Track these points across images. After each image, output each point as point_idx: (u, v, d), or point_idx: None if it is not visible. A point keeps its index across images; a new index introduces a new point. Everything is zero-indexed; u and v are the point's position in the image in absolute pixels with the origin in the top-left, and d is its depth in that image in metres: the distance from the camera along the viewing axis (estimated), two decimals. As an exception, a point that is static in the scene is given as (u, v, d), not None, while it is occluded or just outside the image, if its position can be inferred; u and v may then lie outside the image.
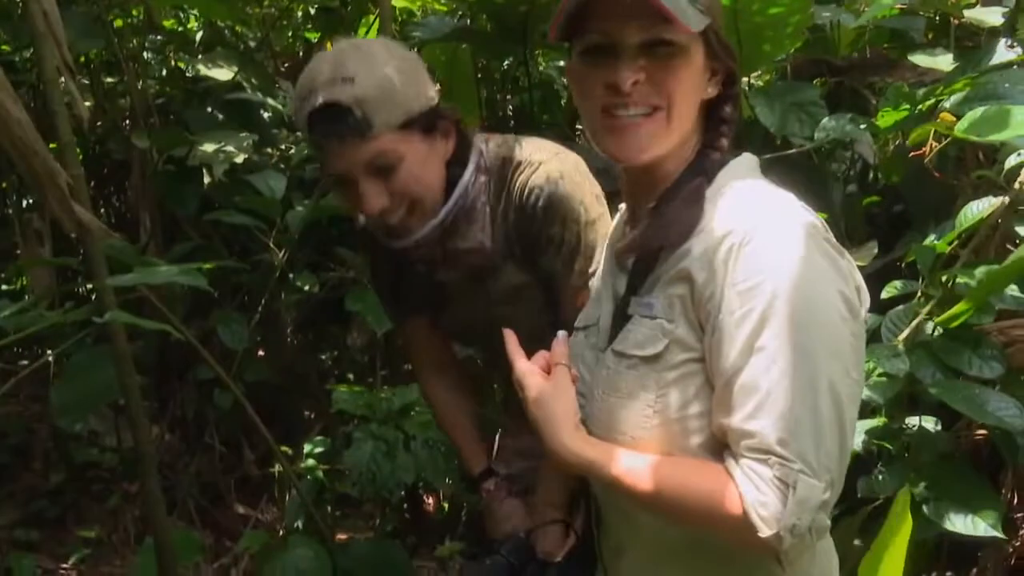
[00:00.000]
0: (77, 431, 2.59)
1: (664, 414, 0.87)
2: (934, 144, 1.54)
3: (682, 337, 0.86)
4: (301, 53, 3.16)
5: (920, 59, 1.81)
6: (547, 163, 1.25)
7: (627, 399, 0.89)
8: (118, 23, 2.69)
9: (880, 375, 1.38)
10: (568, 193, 1.23)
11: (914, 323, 1.44)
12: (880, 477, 1.45)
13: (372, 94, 1.13)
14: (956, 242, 1.54)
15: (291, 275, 2.49)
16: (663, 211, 0.90)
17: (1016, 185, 1.44)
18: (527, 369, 0.94)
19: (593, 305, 1.04)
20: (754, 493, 0.79)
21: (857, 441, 1.47)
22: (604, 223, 1.25)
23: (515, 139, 1.32)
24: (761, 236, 0.82)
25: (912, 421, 1.56)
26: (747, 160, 0.95)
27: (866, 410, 1.55)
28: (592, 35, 0.87)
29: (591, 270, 1.26)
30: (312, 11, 3.01)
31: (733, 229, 0.83)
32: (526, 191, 1.24)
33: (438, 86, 1.34)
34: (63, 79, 1.34)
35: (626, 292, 0.94)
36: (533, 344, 1.06)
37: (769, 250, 0.81)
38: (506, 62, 2.77)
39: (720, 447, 0.85)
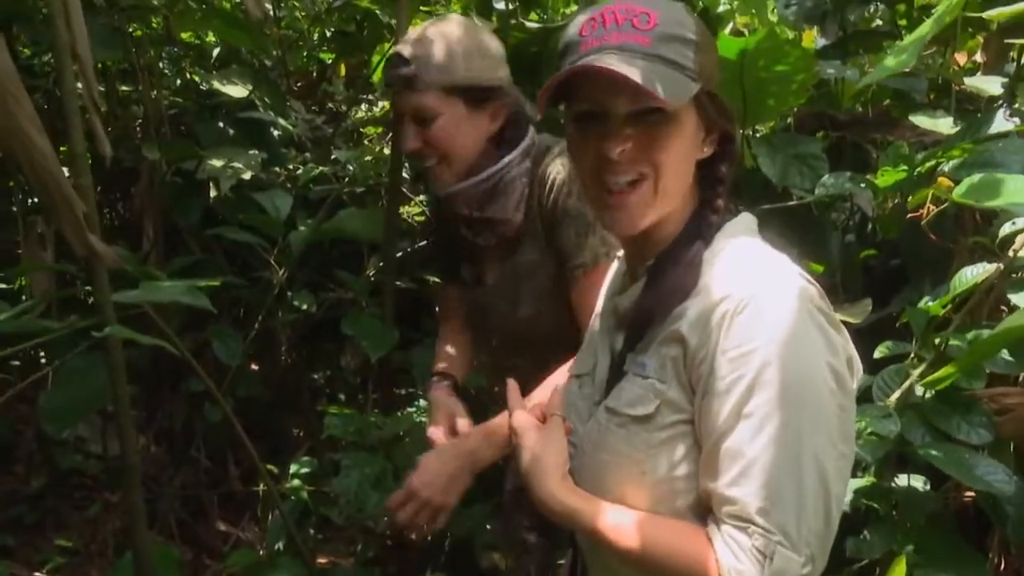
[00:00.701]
0: (63, 437, 2.57)
1: (652, 475, 0.87)
2: (932, 207, 1.57)
3: (673, 399, 0.87)
4: (315, 73, 3.21)
5: (921, 120, 1.84)
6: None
7: (616, 457, 0.89)
8: (137, 33, 2.72)
9: (870, 434, 1.39)
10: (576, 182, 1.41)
11: (906, 385, 1.45)
12: (868, 538, 1.46)
13: (430, 57, 1.40)
14: (950, 305, 1.56)
15: (289, 293, 2.50)
16: (660, 275, 0.91)
17: (1010, 253, 1.46)
18: (524, 422, 0.95)
19: (589, 354, 1.04)
20: (732, 560, 0.79)
21: (846, 500, 1.47)
22: None
23: (557, 141, 1.52)
24: (755, 304, 0.82)
25: (900, 480, 1.57)
26: (745, 220, 0.96)
27: (856, 469, 1.56)
28: (582, 103, 0.89)
29: (605, 252, 1.39)
30: (328, 34, 3.06)
31: (729, 295, 0.84)
32: (550, 168, 1.45)
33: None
34: (87, 115, 1.39)
35: (623, 348, 0.94)
36: (542, 342, 1.33)
37: (762, 319, 0.81)
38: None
39: (706, 510, 0.85)
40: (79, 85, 1.67)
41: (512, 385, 1.01)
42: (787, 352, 0.80)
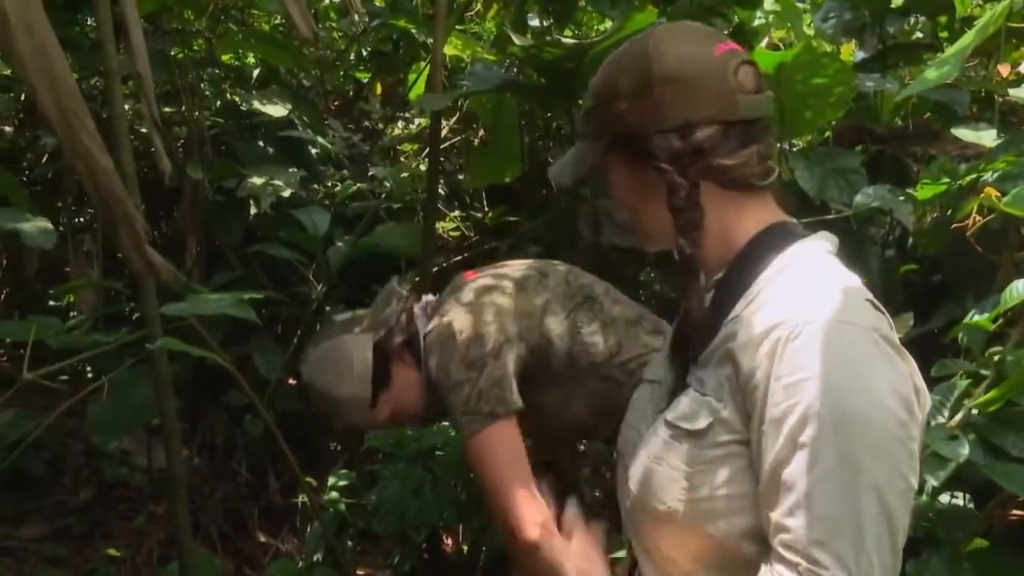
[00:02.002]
0: (110, 449, 2.64)
1: (695, 491, 0.86)
2: (978, 218, 1.54)
3: (727, 419, 0.85)
4: (352, 92, 3.27)
5: (963, 133, 1.82)
6: (429, 335, 1.54)
7: (667, 468, 0.89)
8: (179, 56, 2.80)
9: (933, 455, 1.36)
10: (435, 366, 1.50)
11: (968, 404, 1.42)
12: (929, 560, 1.43)
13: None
14: (1001, 319, 1.53)
15: (327, 308, 2.54)
16: (720, 287, 0.93)
17: (1059, 266, 1.44)
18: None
19: (663, 360, 1.03)
20: None
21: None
22: (469, 386, 1.45)
23: (438, 301, 1.63)
24: (810, 332, 0.80)
25: (946, 499, 1.54)
26: (820, 243, 0.92)
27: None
28: None
29: (471, 419, 1.44)
30: (365, 53, 3.12)
31: (783, 321, 0.82)
32: (427, 352, 1.55)
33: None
34: (155, 137, 1.46)
35: (687, 360, 0.94)
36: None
37: (817, 347, 0.79)
38: (550, 112, 2.84)
39: (746, 533, 0.84)
40: (131, 104, 1.73)
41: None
42: (845, 381, 0.78)
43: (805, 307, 0.82)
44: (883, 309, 0.85)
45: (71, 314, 2.82)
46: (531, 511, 1.35)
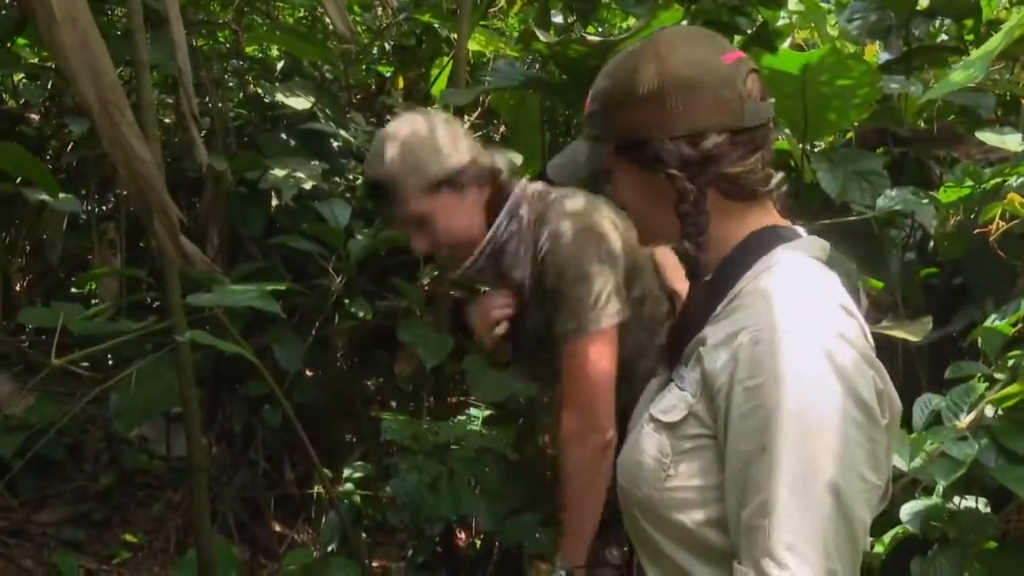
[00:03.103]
0: (129, 437, 2.67)
1: (672, 480, 0.89)
2: (1001, 223, 1.54)
3: (700, 413, 0.89)
4: (374, 86, 3.28)
5: (988, 137, 1.81)
6: (564, 219, 1.45)
7: (646, 458, 0.93)
8: (204, 48, 2.83)
9: (942, 456, 1.37)
10: (569, 251, 1.42)
11: (981, 406, 1.42)
12: (935, 559, 1.43)
13: (398, 165, 1.42)
14: (1020, 324, 1.53)
15: (346, 301, 2.56)
16: (706, 292, 0.97)
17: (1083, 272, 1.43)
18: None
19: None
20: None
21: (913, 522, 1.46)
22: (602, 281, 1.42)
23: (551, 191, 1.52)
24: (772, 336, 0.83)
25: (960, 500, 1.54)
26: (805, 247, 0.95)
27: (914, 489, 1.53)
28: None
29: (593, 318, 1.41)
30: (388, 47, 3.13)
31: (747, 325, 0.85)
32: (540, 243, 1.45)
33: (473, 141, 1.55)
34: (192, 129, 1.48)
35: (672, 358, 0.99)
36: None
37: (778, 352, 0.82)
38: (570, 109, 2.84)
39: (716, 524, 0.87)
40: (156, 94, 1.75)
41: None
42: (802, 388, 0.81)
43: (770, 312, 0.85)
44: (857, 314, 0.87)
45: (93, 302, 2.86)
46: (612, 418, 1.39)
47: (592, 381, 1.40)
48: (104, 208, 3.09)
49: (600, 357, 1.41)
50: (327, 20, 3.17)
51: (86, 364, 2.82)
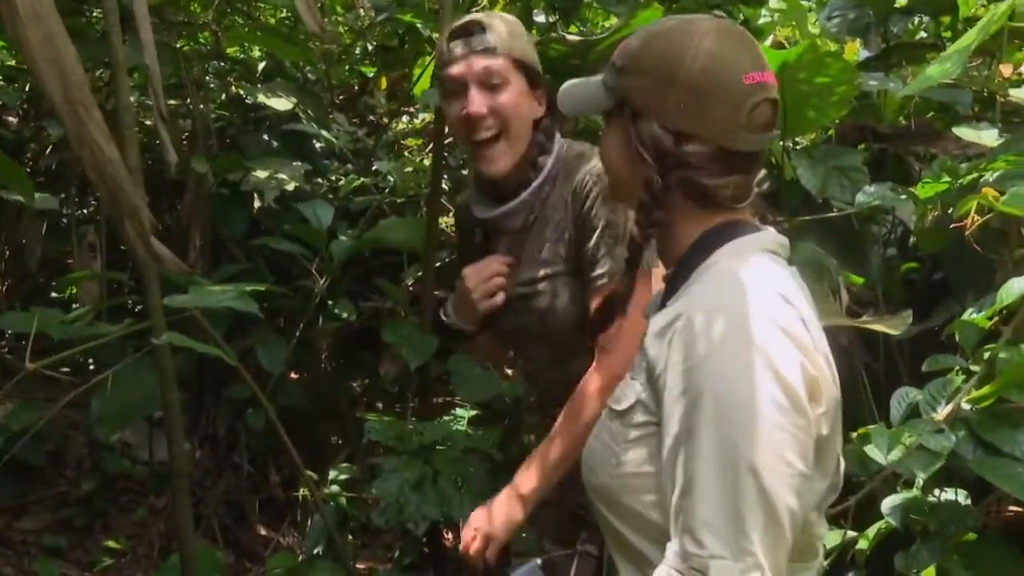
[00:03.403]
0: (111, 442, 2.65)
1: (623, 467, 0.92)
2: (976, 217, 1.55)
3: (646, 401, 0.92)
4: (357, 86, 3.27)
5: (965, 132, 1.83)
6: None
7: (600, 446, 0.96)
8: (185, 48, 2.81)
9: (920, 449, 1.38)
10: None
11: (957, 399, 1.43)
12: (918, 552, 1.44)
13: (502, 28, 1.43)
14: (997, 317, 1.54)
15: (330, 302, 2.55)
16: (666, 285, 1.02)
17: (1059, 265, 1.45)
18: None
19: None
20: None
21: (894, 515, 1.47)
22: None
23: (582, 143, 1.54)
24: (703, 322, 0.86)
25: (940, 493, 1.55)
26: (760, 237, 0.97)
27: (901, 483, 1.54)
28: None
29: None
30: (370, 47, 3.12)
31: (684, 312, 0.88)
32: (585, 176, 1.43)
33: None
34: (161, 130, 1.46)
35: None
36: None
37: (709, 337, 0.84)
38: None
39: (667, 509, 0.88)
40: (136, 96, 1.74)
41: None
42: (726, 371, 0.83)
43: (705, 299, 0.89)
44: (795, 303, 0.90)
45: (73, 306, 2.83)
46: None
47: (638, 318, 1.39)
48: (84, 211, 3.06)
49: (648, 294, 1.40)
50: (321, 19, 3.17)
51: (66, 369, 2.80)
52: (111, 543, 2.54)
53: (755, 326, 0.84)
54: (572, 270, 1.45)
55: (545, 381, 1.60)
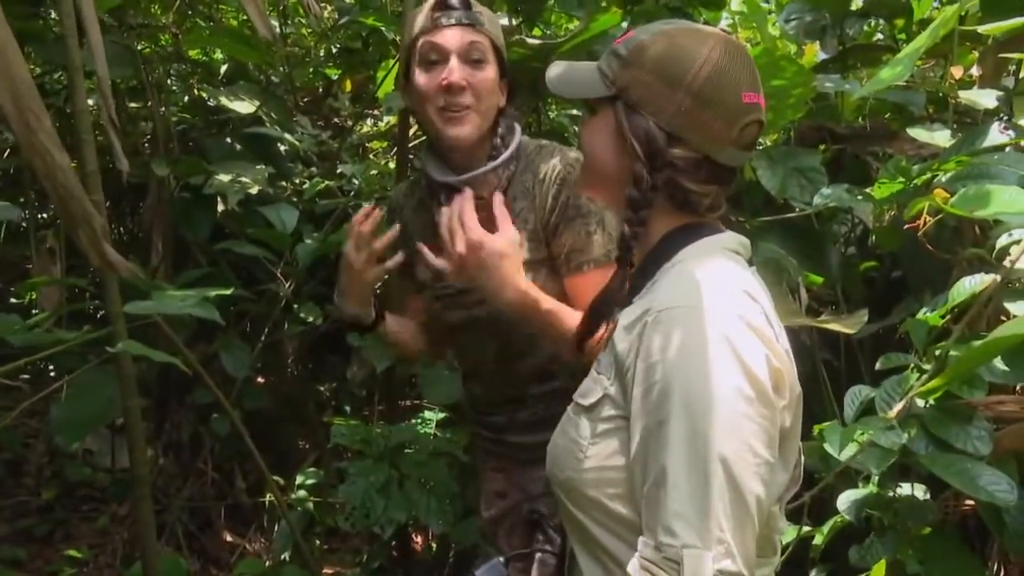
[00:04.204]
0: (72, 449, 2.60)
1: (589, 461, 0.93)
2: (928, 218, 1.59)
3: (614, 395, 0.93)
4: (321, 89, 3.25)
5: (918, 133, 1.86)
6: (573, 150, 1.46)
7: (567, 440, 0.97)
8: (146, 51, 2.77)
9: (874, 446, 1.41)
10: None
11: (909, 396, 1.46)
12: (872, 546, 1.47)
13: (485, 10, 1.43)
14: (949, 315, 1.58)
15: (296, 306, 2.53)
16: (631, 282, 1.02)
17: (1007, 263, 1.48)
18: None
19: None
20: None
21: (849, 510, 1.49)
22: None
23: (539, 139, 1.53)
24: (671, 316, 0.88)
25: (900, 489, 1.58)
26: (722, 238, 0.99)
27: (858, 479, 1.57)
28: None
29: (612, 248, 1.37)
30: (334, 50, 3.11)
31: (651, 307, 0.90)
32: (550, 166, 1.43)
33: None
34: (102, 132, 1.42)
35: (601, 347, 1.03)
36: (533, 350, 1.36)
37: (676, 331, 0.86)
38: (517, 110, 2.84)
39: (633, 502, 0.90)
40: (91, 103, 1.71)
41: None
42: (694, 364, 0.85)
43: (673, 294, 0.90)
44: (758, 300, 0.92)
45: (33, 312, 2.78)
46: None
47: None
48: (43, 216, 3.01)
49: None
50: (273, 21, 3.14)
51: (26, 376, 2.75)
52: (73, 552, 2.50)
53: (721, 320, 0.86)
54: (532, 259, 1.42)
55: (487, 380, 1.57)
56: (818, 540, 1.54)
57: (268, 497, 2.62)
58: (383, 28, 2.58)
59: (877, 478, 1.50)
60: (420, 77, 1.40)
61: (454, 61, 1.38)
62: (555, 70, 1.05)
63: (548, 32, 2.88)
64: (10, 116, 1.03)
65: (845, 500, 1.51)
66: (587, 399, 0.96)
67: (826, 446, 1.45)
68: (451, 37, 1.39)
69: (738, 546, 0.83)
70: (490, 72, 1.41)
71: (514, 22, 2.62)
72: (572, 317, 1.31)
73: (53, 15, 2.61)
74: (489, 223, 1.40)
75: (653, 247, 1.00)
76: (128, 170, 1.44)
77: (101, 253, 1.13)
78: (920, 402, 1.49)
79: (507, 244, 1.29)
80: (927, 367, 1.49)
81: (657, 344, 0.87)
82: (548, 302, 1.34)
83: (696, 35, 0.97)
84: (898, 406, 1.45)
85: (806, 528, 1.57)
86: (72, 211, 1.10)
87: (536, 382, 1.51)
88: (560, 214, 1.41)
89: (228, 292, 1.75)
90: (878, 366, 1.58)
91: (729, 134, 0.95)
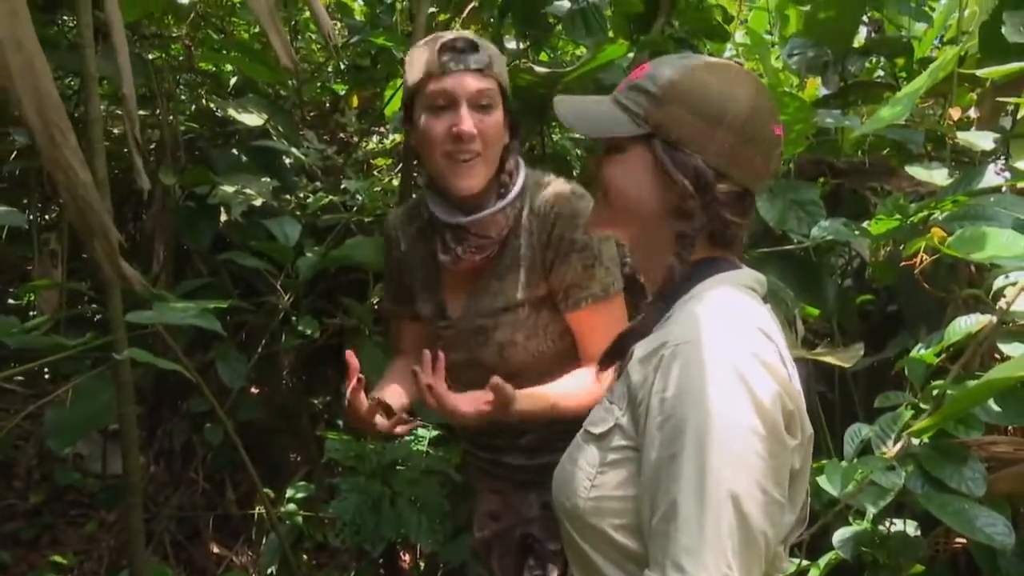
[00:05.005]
0: (63, 453, 2.60)
1: (597, 490, 0.94)
2: (925, 256, 1.61)
3: (624, 425, 0.93)
4: (328, 104, 3.28)
5: (916, 171, 1.89)
6: (567, 183, 1.45)
7: (575, 468, 0.97)
8: (157, 61, 2.80)
9: (871, 484, 1.41)
10: (587, 205, 1.40)
11: (905, 435, 1.47)
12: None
13: (493, 50, 1.42)
14: (944, 354, 1.59)
15: (294, 319, 2.54)
16: (646, 313, 1.02)
17: (1002, 304, 1.50)
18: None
19: None
20: None
21: (844, 547, 1.50)
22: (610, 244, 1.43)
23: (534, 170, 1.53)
24: (688, 351, 0.88)
25: (891, 525, 1.58)
26: (737, 275, 1.00)
27: (849, 513, 1.58)
28: None
29: (611, 282, 1.40)
30: (343, 67, 3.14)
31: (668, 341, 0.91)
32: (550, 200, 1.42)
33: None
34: (135, 155, 1.45)
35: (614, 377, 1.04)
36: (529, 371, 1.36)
37: (692, 366, 0.87)
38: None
39: (639, 534, 0.90)
40: (105, 106, 1.72)
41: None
42: (708, 400, 0.85)
43: (691, 329, 0.91)
44: (776, 340, 0.93)
45: (31, 314, 2.78)
46: None
47: (599, 339, 1.32)
48: (46, 218, 3.02)
49: (614, 315, 1.41)
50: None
51: (20, 378, 2.74)
52: (58, 558, 2.48)
53: (737, 357, 0.87)
54: (533, 297, 1.43)
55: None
56: (814, 574, 1.55)
57: (258, 509, 2.61)
58: (392, 47, 2.61)
59: (872, 515, 1.50)
60: (428, 122, 1.39)
61: (464, 108, 1.36)
62: (567, 107, 1.04)
63: (555, 56, 2.92)
64: (36, 129, 1.05)
65: (840, 537, 1.52)
66: (598, 427, 0.96)
67: (821, 480, 1.46)
68: (461, 84, 1.36)
69: None
70: (498, 116, 1.40)
71: (521, 46, 2.66)
72: (583, 390, 1.32)
73: (65, 21, 2.64)
74: (494, 264, 1.42)
75: (668, 279, 1.00)
76: (148, 188, 1.45)
77: (116, 266, 1.15)
78: (914, 440, 1.49)
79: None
80: (925, 406, 1.50)
81: (673, 378, 0.87)
82: (552, 395, 1.33)
83: (725, 71, 0.99)
84: (896, 446, 1.46)
85: (804, 562, 1.57)
86: (90, 224, 1.12)
87: None
88: (555, 249, 1.40)
89: (226, 304, 1.76)
90: (877, 404, 1.59)
91: (767, 166, 0.98)
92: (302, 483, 2.59)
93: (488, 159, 1.40)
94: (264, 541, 2.57)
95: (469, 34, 1.43)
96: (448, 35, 1.40)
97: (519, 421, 1.33)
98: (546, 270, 1.42)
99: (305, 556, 2.44)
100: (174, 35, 2.77)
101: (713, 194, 0.96)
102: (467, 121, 1.36)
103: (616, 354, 1.04)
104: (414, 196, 1.85)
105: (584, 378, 1.38)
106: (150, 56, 2.66)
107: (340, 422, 3.03)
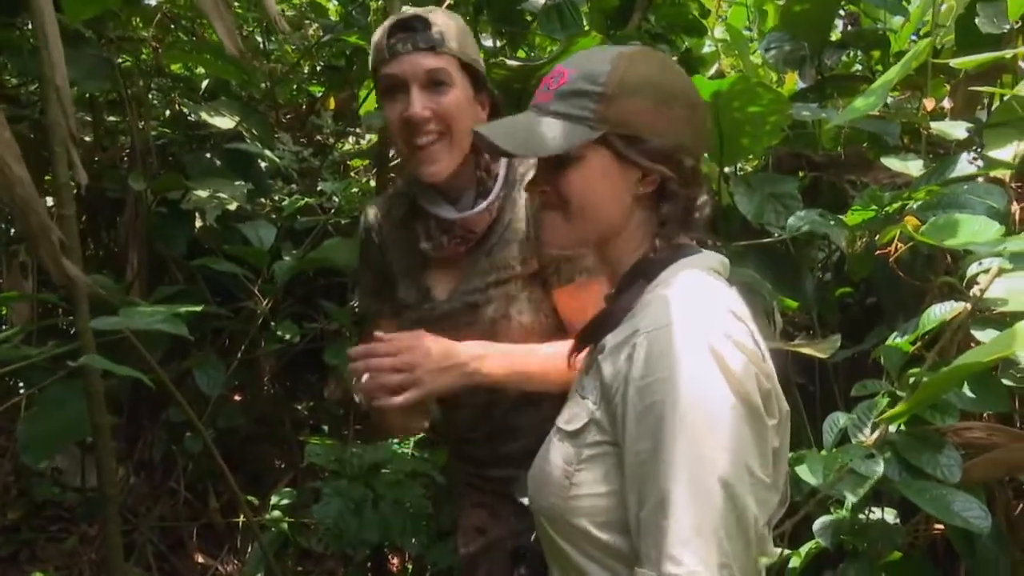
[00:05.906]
0: (41, 467, 2.55)
1: (576, 488, 0.92)
2: (900, 245, 1.61)
3: (600, 420, 0.92)
4: (303, 106, 3.24)
5: (892, 162, 1.90)
6: None
7: (551, 467, 0.95)
8: (126, 64, 2.76)
9: (851, 472, 1.42)
10: None
11: (883, 423, 1.48)
12: (845, 572, 1.47)
13: (448, 24, 1.34)
14: (920, 342, 1.59)
15: (273, 323, 2.51)
16: (609, 306, 1.00)
17: (976, 291, 1.51)
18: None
19: None
20: None
21: (824, 536, 1.50)
22: None
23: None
24: (662, 337, 0.87)
25: (869, 513, 1.59)
26: (704, 258, 0.99)
27: (828, 503, 1.58)
28: None
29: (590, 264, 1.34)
30: (318, 68, 3.11)
31: (639, 329, 0.90)
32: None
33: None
34: (71, 149, 1.41)
35: (581, 371, 1.02)
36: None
37: (667, 352, 0.86)
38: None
39: (620, 529, 0.89)
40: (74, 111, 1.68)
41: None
42: (686, 384, 0.84)
43: (662, 316, 0.89)
44: (746, 320, 0.92)
45: (2, 327, 2.74)
46: None
47: (579, 321, 1.35)
48: (14, 230, 2.97)
49: (596, 300, 1.38)
50: (257, 38, 3.14)
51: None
52: (38, 575, 2.44)
53: (710, 339, 0.86)
54: (525, 273, 1.38)
55: (472, 412, 1.47)
56: (795, 563, 1.55)
57: (241, 517, 2.58)
58: (367, 47, 2.58)
59: (853, 504, 1.51)
60: (386, 109, 1.35)
61: (415, 91, 1.31)
62: (499, 135, 0.96)
63: (532, 54, 2.91)
64: (-34, 130, 1.02)
65: (820, 525, 1.52)
66: (571, 424, 0.94)
67: (801, 471, 1.46)
68: (408, 66, 1.31)
69: (740, 570, 0.82)
70: (456, 94, 1.33)
71: (498, 44, 2.64)
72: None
73: (29, 26, 2.59)
74: (481, 244, 1.40)
75: (630, 270, 0.99)
76: (86, 183, 1.41)
77: (59, 267, 1.12)
78: (892, 428, 1.50)
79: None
80: (901, 393, 1.50)
81: (647, 366, 0.86)
82: (542, 353, 1.29)
83: (643, 53, 0.99)
84: (874, 434, 1.46)
85: (786, 552, 1.57)
86: (31, 224, 1.09)
87: (530, 408, 1.40)
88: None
89: (199, 309, 1.73)
90: (854, 393, 1.60)
91: (708, 126, 1.00)
92: (286, 489, 2.56)
93: (454, 140, 1.34)
94: (249, 550, 2.55)
95: (419, 10, 1.36)
96: (402, 14, 1.35)
97: (491, 387, 1.29)
98: (534, 244, 1.38)
99: (290, 563, 2.41)
100: (142, 37, 2.72)
101: (685, 172, 0.96)
102: (416, 104, 1.31)
103: (594, 334, 1.00)
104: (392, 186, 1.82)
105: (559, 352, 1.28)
106: (118, 60, 2.61)
107: (324, 427, 3.01)
